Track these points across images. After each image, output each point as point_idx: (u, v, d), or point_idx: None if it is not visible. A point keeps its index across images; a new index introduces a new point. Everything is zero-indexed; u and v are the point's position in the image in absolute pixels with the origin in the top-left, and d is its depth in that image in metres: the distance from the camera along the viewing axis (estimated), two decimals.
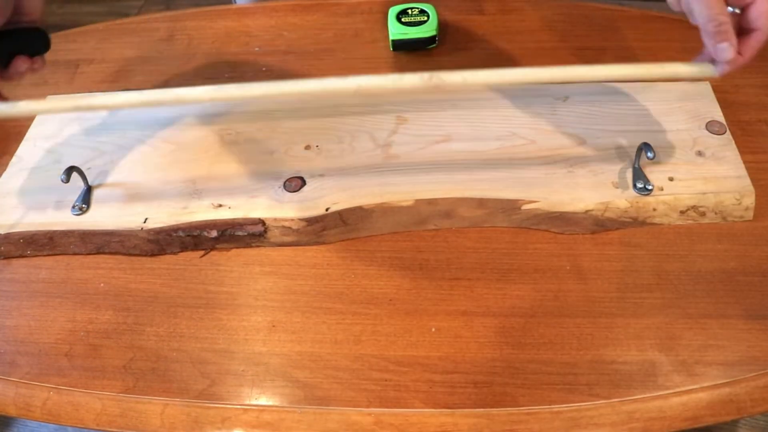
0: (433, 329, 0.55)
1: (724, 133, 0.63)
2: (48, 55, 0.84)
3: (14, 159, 0.69)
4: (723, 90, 0.68)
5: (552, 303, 0.55)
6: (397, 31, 0.77)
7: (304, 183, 0.63)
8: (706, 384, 0.50)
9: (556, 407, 0.50)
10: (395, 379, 0.52)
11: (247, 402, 0.52)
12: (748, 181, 0.59)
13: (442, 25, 0.81)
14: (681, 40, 0.75)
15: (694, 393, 0.50)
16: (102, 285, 0.60)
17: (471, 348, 0.53)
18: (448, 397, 0.51)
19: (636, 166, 0.60)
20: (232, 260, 0.61)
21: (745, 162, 0.61)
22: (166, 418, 0.52)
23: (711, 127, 0.64)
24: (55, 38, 0.87)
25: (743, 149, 0.62)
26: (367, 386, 0.52)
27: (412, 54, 0.78)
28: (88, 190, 0.64)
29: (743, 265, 0.57)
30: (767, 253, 0.57)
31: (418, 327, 0.55)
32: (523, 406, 0.50)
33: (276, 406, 0.52)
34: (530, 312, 0.55)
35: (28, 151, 0.70)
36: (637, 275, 0.57)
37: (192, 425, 0.52)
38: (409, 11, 0.79)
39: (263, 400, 0.52)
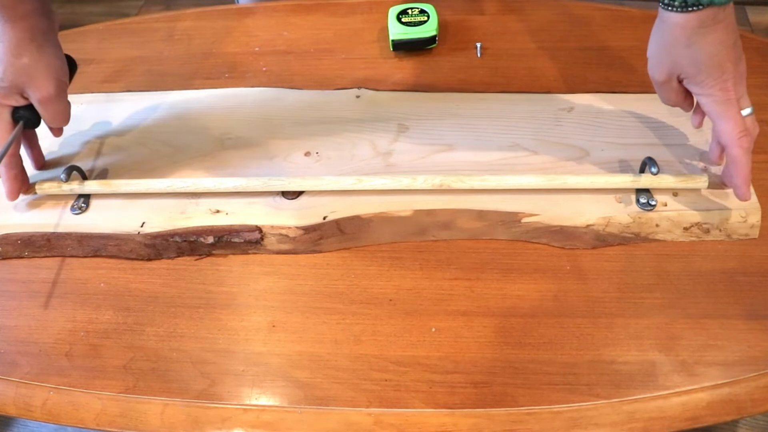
0: (433, 329, 0.55)
1: None
2: None
3: None
4: None
5: (552, 303, 0.55)
6: (397, 31, 0.77)
7: (302, 190, 0.62)
8: (706, 384, 0.50)
9: (556, 407, 0.50)
10: (395, 379, 0.52)
11: (247, 402, 0.52)
12: (754, 198, 0.58)
13: (442, 25, 0.81)
14: None
15: (694, 393, 0.50)
16: (102, 285, 0.60)
17: (471, 348, 0.53)
18: (448, 397, 0.51)
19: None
20: (232, 260, 0.61)
21: None
22: (166, 418, 0.52)
23: None
24: None
25: None
26: (367, 386, 0.52)
27: (412, 54, 0.78)
28: None
29: (743, 265, 0.57)
30: (767, 253, 0.57)
31: (418, 327, 0.55)
32: (523, 406, 0.50)
33: (276, 406, 0.52)
34: (530, 312, 0.55)
35: None
36: (637, 275, 0.57)
37: (192, 425, 0.52)
38: (409, 11, 0.79)
39: (263, 400, 0.52)
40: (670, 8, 0.52)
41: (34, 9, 0.59)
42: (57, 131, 0.66)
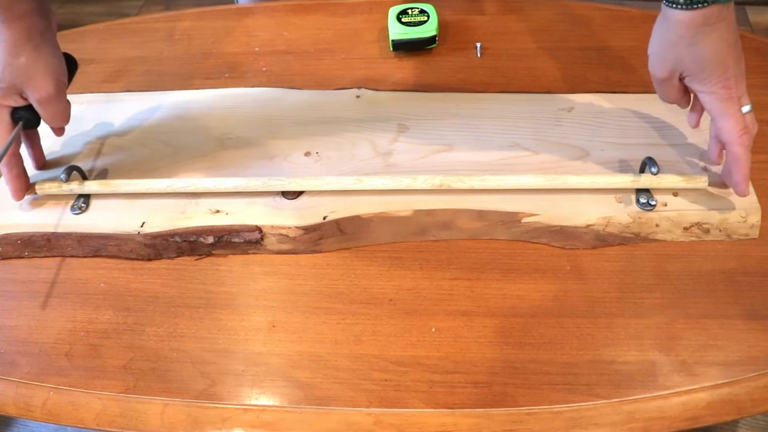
0: (433, 329, 0.55)
1: None
2: None
3: None
4: None
5: (552, 303, 0.55)
6: (397, 31, 0.77)
7: (302, 190, 0.62)
8: (706, 384, 0.50)
9: (556, 407, 0.50)
10: (395, 379, 0.52)
11: (247, 402, 0.52)
12: (754, 198, 0.58)
13: (442, 25, 0.81)
14: None
15: (694, 393, 0.50)
16: (102, 285, 0.60)
17: (471, 348, 0.53)
18: (448, 397, 0.51)
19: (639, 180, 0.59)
20: (232, 260, 0.61)
21: None
22: (166, 418, 0.52)
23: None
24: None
25: None
26: (367, 386, 0.52)
27: (412, 54, 0.78)
28: None
29: (743, 265, 0.57)
30: (767, 253, 0.57)
31: (418, 327, 0.55)
32: (523, 406, 0.50)
33: (276, 406, 0.52)
34: (530, 312, 0.55)
35: None
36: (637, 275, 0.57)
37: (192, 425, 0.52)
38: (409, 11, 0.79)
39: (263, 400, 0.52)
40: (674, 5, 0.52)
41: (31, 9, 0.59)
42: (58, 131, 0.66)
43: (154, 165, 0.66)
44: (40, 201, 0.64)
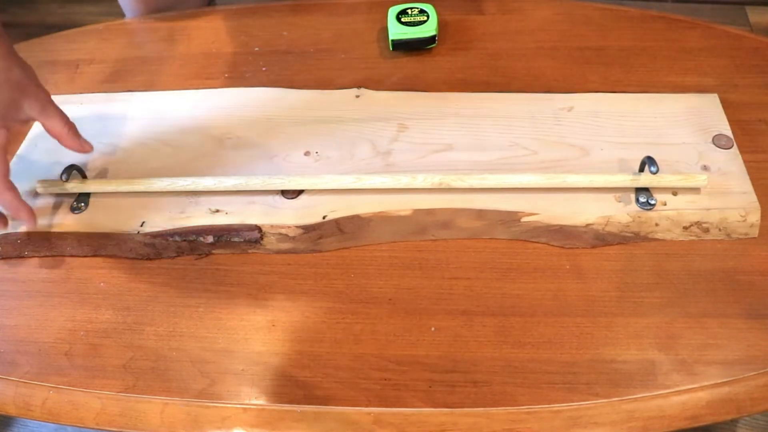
0: (433, 328, 0.55)
1: (731, 148, 0.62)
2: (48, 55, 0.85)
3: (14, 159, 0.69)
4: (723, 90, 0.68)
5: (551, 302, 0.55)
6: (396, 31, 0.77)
7: (302, 190, 0.62)
8: (705, 383, 0.50)
9: (555, 406, 0.50)
10: (395, 378, 0.52)
11: (247, 401, 0.52)
12: (754, 198, 0.58)
13: (442, 25, 0.81)
14: (680, 40, 0.76)
15: (693, 392, 0.50)
16: (102, 284, 0.60)
17: (470, 347, 0.53)
18: (447, 396, 0.51)
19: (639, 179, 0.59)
20: (232, 260, 0.61)
21: (744, 161, 0.61)
22: (166, 418, 0.52)
23: (718, 141, 0.63)
24: (55, 38, 0.88)
25: (743, 148, 0.62)
26: (366, 385, 0.52)
27: (412, 54, 0.78)
28: None
29: (743, 264, 0.57)
30: (767, 252, 0.57)
31: (417, 326, 0.55)
32: (522, 405, 0.50)
33: (275, 406, 0.52)
34: (530, 311, 0.55)
35: (29, 151, 0.70)
36: (636, 274, 0.57)
37: (192, 424, 0.52)
38: (409, 11, 0.79)
39: (263, 400, 0.52)
40: None
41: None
42: (74, 139, 0.63)
43: (154, 164, 0.67)
44: (39, 201, 0.64)
